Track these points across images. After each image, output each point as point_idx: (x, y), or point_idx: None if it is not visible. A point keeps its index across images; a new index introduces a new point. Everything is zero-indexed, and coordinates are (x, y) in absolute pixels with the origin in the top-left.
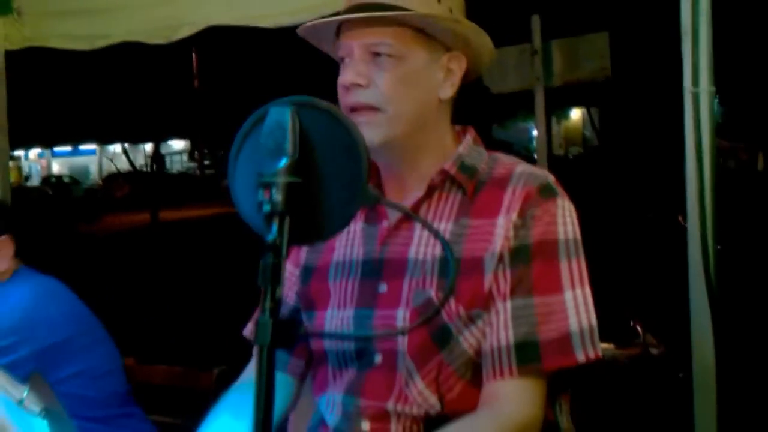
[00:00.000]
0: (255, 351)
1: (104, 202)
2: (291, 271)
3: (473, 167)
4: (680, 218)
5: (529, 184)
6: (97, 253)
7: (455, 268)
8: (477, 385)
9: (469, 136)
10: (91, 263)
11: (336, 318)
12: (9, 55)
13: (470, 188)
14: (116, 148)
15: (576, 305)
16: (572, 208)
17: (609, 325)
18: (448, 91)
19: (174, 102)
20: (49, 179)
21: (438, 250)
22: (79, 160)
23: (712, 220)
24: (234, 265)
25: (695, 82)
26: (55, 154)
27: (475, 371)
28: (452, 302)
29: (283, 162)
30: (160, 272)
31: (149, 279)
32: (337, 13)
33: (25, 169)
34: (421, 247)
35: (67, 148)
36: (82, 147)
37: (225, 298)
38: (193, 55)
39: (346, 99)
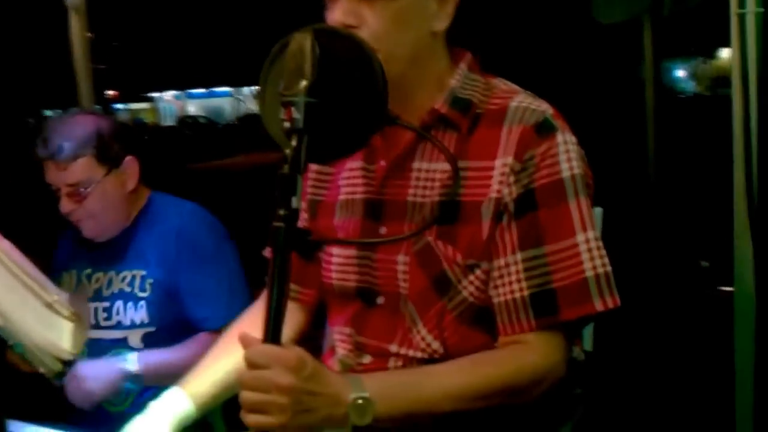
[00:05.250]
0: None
1: (242, 141)
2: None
3: (467, 100)
4: None
5: (524, 121)
6: (234, 188)
7: (458, 182)
8: (480, 326)
9: (464, 64)
10: (228, 197)
11: (340, 256)
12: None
13: (465, 125)
14: (249, 90)
15: (589, 249)
16: (574, 140)
17: None
18: (443, 22)
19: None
20: (185, 119)
21: (436, 194)
22: (213, 102)
23: (757, 149)
24: None
25: (741, 3)
26: (189, 96)
27: (477, 314)
28: (450, 249)
29: (303, 83)
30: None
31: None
32: None
33: (161, 111)
34: (419, 189)
35: (202, 90)
36: (216, 89)
37: None
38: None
39: None
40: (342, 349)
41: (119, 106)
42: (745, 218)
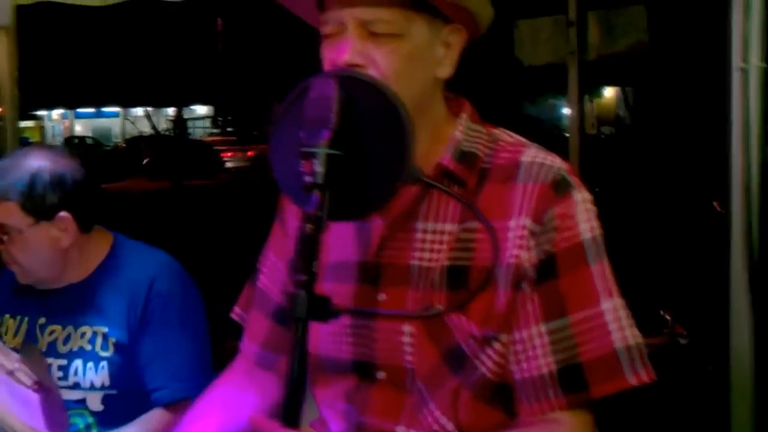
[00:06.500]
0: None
1: (127, 165)
2: (275, 263)
3: (472, 153)
4: (716, 204)
5: (541, 178)
6: (119, 215)
7: (497, 248)
8: (497, 404)
9: (465, 114)
10: (113, 225)
11: (331, 326)
12: (30, 15)
13: (472, 181)
14: (139, 111)
15: (616, 318)
16: (589, 197)
17: (637, 313)
18: (447, 69)
19: (198, 68)
20: (71, 140)
21: (445, 258)
22: (101, 122)
23: (758, 207)
24: (252, 235)
25: (745, 57)
26: (77, 115)
27: (495, 392)
28: (463, 319)
29: (326, 134)
30: (180, 239)
31: (169, 245)
32: None
33: (48, 129)
34: (425, 253)
35: (90, 110)
36: (105, 109)
37: (245, 268)
38: (219, 19)
39: None
40: (336, 427)
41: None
42: (745, 282)
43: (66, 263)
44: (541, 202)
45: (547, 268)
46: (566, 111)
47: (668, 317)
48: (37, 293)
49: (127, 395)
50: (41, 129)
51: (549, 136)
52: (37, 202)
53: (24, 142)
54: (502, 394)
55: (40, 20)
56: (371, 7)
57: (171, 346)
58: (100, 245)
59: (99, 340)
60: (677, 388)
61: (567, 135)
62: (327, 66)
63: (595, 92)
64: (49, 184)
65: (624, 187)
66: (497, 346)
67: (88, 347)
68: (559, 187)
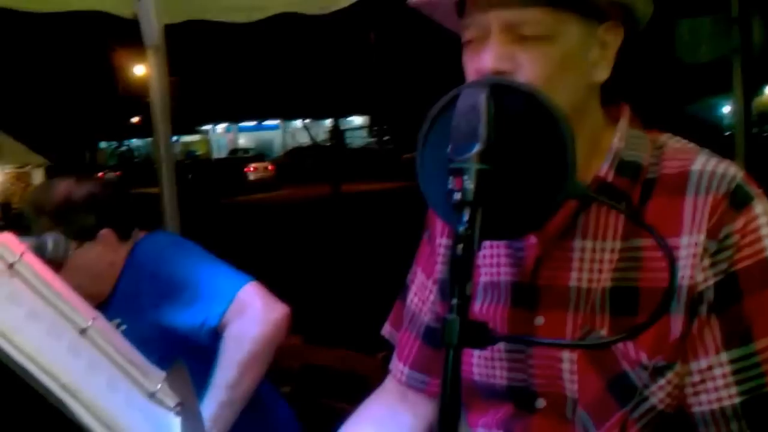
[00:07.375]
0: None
1: (288, 174)
2: (423, 282)
3: (635, 163)
4: None
5: (713, 189)
6: (279, 223)
7: (675, 270)
8: None
9: (624, 120)
10: (273, 233)
11: (484, 351)
12: (181, 33)
13: (636, 194)
14: (298, 123)
15: None
16: None
17: None
18: (603, 72)
19: (354, 79)
20: (235, 152)
21: (608, 278)
22: (263, 135)
23: None
24: (411, 241)
25: None
26: (240, 129)
27: (668, 425)
28: (630, 347)
29: (476, 147)
30: (339, 245)
31: (328, 251)
32: None
33: (213, 143)
34: (585, 273)
35: (252, 123)
36: (266, 122)
37: (401, 275)
38: (371, 33)
39: None
40: None
41: (173, 138)
42: None
43: (112, 274)
44: (716, 217)
45: (728, 290)
46: (726, 110)
47: None
48: None
49: None
50: (207, 143)
51: (713, 136)
52: (77, 226)
53: (191, 156)
54: (676, 428)
55: (193, 38)
56: (518, 8)
57: (185, 293)
58: (129, 247)
59: None
60: None
61: (727, 134)
62: (470, 74)
63: (759, 90)
64: (83, 207)
65: None
66: (670, 376)
67: None
68: (736, 199)
